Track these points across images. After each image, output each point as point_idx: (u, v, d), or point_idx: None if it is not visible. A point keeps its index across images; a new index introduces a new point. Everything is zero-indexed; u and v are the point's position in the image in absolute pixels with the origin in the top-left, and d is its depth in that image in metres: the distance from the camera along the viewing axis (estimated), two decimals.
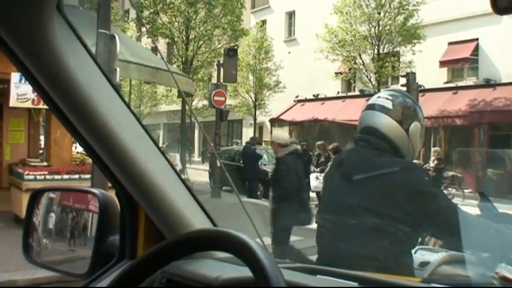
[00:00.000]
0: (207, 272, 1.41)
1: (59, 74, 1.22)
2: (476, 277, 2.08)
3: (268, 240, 10.92)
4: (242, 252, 0.93)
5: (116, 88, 1.42)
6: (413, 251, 2.60)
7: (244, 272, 1.23)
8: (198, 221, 1.58)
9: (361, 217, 2.39)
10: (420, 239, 2.90)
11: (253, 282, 0.91)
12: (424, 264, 2.69)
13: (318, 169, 14.27)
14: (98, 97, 1.31)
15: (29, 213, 1.84)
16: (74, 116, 1.34)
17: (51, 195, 1.92)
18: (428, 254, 2.81)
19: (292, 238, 12.00)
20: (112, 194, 1.70)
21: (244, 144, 24.11)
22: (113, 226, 1.62)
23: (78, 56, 1.27)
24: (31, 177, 10.69)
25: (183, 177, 1.70)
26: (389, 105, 2.60)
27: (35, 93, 10.20)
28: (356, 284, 1.37)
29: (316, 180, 13.75)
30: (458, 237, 2.23)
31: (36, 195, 1.87)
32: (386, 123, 2.59)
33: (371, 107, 2.67)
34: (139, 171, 1.43)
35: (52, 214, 1.90)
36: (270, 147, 25.79)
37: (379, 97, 2.69)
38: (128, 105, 1.45)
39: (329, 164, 13.06)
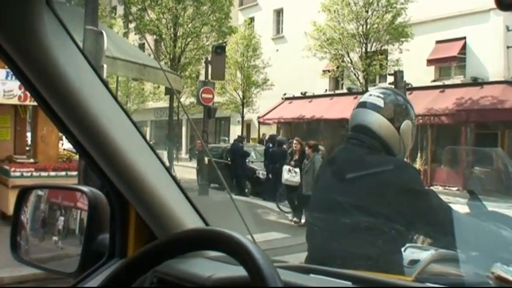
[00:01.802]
0: (198, 271, 1.39)
1: (48, 70, 1.20)
2: (470, 276, 2.08)
3: (259, 237, 10.93)
4: (237, 251, 0.91)
5: (107, 85, 1.40)
6: (402, 249, 2.59)
7: (237, 271, 1.21)
8: (189, 220, 1.56)
9: (352, 216, 2.38)
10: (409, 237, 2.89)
11: (248, 282, 0.90)
12: (414, 262, 2.67)
13: (292, 162, 14.02)
14: (89, 93, 1.29)
15: (17, 211, 1.82)
16: (63, 113, 1.32)
17: (40, 192, 1.90)
18: (417, 252, 2.80)
19: (279, 235, 12.05)
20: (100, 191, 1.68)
21: (232, 141, 24.11)
22: (103, 224, 1.60)
23: (68, 52, 1.25)
24: (18, 174, 10.63)
25: None
26: (380, 103, 2.58)
27: (22, 90, 10.15)
28: (350, 284, 1.36)
29: (288, 173, 13.70)
30: (450, 236, 2.23)
31: (24, 193, 1.84)
32: (377, 121, 2.57)
33: (362, 105, 2.65)
34: (130, 169, 1.41)
35: (40, 212, 1.88)
36: (258, 145, 25.88)
37: (371, 95, 2.67)
38: (118, 102, 1.43)
39: (305, 161, 12.93)
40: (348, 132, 2.73)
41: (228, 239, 0.93)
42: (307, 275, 1.45)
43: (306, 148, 13.57)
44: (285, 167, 13.97)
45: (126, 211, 1.57)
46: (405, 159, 2.79)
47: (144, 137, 1.50)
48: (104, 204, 1.60)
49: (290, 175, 13.64)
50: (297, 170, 13.55)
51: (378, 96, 2.62)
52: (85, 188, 1.66)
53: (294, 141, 14.97)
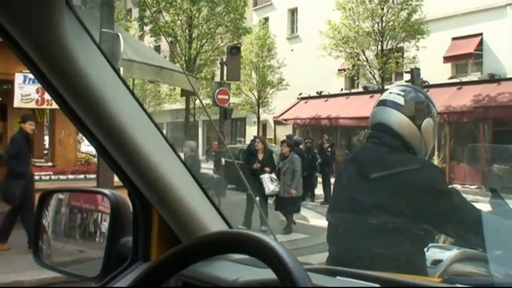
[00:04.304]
0: (223, 274, 1.38)
1: (69, 71, 1.18)
2: (501, 276, 2.03)
3: (281, 238, 10.85)
4: (266, 254, 0.89)
5: (128, 85, 1.39)
6: (425, 249, 2.56)
7: (263, 273, 1.19)
8: (213, 222, 1.54)
9: (374, 216, 2.35)
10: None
11: (276, 285, 0.88)
12: (436, 262, 2.65)
13: (268, 169, 12.44)
14: (111, 95, 1.27)
15: (39, 215, 1.81)
16: (85, 114, 1.30)
17: (61, 196, 1.89)
18: (439, 252, 2.77)
19: (298, 236, 12.01)
20: (122, 194, 1.67)
21: (248, 142, 24.10)
22: (126, 227, 1.59)
23: (89, 52, 1.23)
24: (36, 177, 10.68)
25: None
26: (400, 101, 2.55)
27: (39, 94, 10.21)
28: (377, 285, 1.34)
29: (272, 184, 12.30)
30: (475, 235, 2.19)
31: (45, 197, 1.83)
32: (397, 119, 2.54)
33: (382, 103, 2.62)
34: (153, 171, 1.39)
35: (62, 215, 1.87)
36: (274, 145, 25.85)
37: (391, 93, 2.64)
38: (140, 103, 1.41)
39: (280, 162, 12.11)
40: (368, 131, 2.70)
41: (256, 242, 0.91)
42: (334, 277, 1.43)
43: (284, 146, 12.69)
44: (265, 177, 12.35)
45: (149, 214, 1.55)
46: (426, 158, 2.73)
47: (166, 138, 1.48)
48: (126, 207, 1.59)
49: (274, 185, 12.29)
50: (275, 176, 12.44)
51: (399, 94, 2.58)
52: (106, 191, 1.64)
53: (256, 140, 13.85)
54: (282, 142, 13.17)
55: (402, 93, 2.58)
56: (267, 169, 12.42)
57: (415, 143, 2.55)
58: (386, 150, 2.52)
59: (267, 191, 12.22)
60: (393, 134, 2.53)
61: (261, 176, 12.28)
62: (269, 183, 12.28)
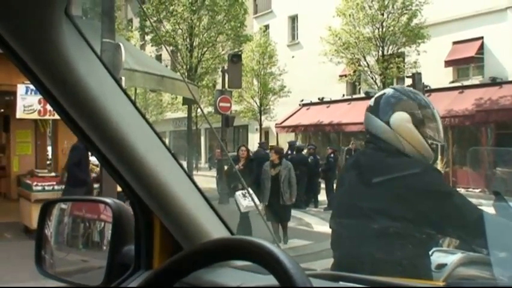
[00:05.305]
0: (226, 281, 1.37)
1: (69, 81, 1.19)
2: (504, 279, 2.03)
3: (284, 245, 10.82)
4: (267, 261, 0.89)
5: (128, 94, 1.39)
6: (429, 253, 2.55)
7: (265, 280, 1.19)
8: (215, 229, 1.54)
9: (376, 221, 2.34)
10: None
11: None
12: (441, 266, 2.63)
13: (240, 186, 11.61)
14: (111, 104, 1.28)
15: (41, 225, 1.81)
16: (85, 123, 1.30)
17: (63, 206, 1.89)
18: (443, 256, 2.75)
19: (301, 242, 11.99)
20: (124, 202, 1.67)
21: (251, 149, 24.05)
22: (128, 236, 1.59)
23: (88, 62, 1.23)
24: (39, 188, 10.72)
25: None
26: (371, 102, 2.58)
27: (42, 105, 10.24)
28: None
29: (245, 200, 11.43)
30: (479, 237, 2.18)
31: (47, 207, 1.84)
32: (371, 123, 2.57)
33: (366, 109, 2.66)
34: (154, 179, 1.39)
35: (64, 225, 1.87)
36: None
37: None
38: (140, 112, 1.41)
39: (272, 169, 11.90)
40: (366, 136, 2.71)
41: (257, 248, 0.91)
42: (337, 282, 1.42)
43: (272, 153, 12.48)
44: (238, 194, 11.61)
45: (151, 222, 1.55)
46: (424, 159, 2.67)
47: (167, 146, 1.48)
48: (128, 216, 1.59)
49: (248, 201, 11.42)
50: (250, 190, 10.92)
51: (375, 97, 2.62)
52: (108, 200, 1.64)
53: (242, 148, 13.42)
54: (270, 149, 13.04)
55: (376, 95, 2.62)
56: (239, 186, 11.72)
57: (393, 141, 2.50)
58: (384, 154, 2.50)
59: (242, 209, 11.49)
60: (377, 137, 2.54)
61: (235, 194, 11.76)
62: (241, 199, 11.56)
